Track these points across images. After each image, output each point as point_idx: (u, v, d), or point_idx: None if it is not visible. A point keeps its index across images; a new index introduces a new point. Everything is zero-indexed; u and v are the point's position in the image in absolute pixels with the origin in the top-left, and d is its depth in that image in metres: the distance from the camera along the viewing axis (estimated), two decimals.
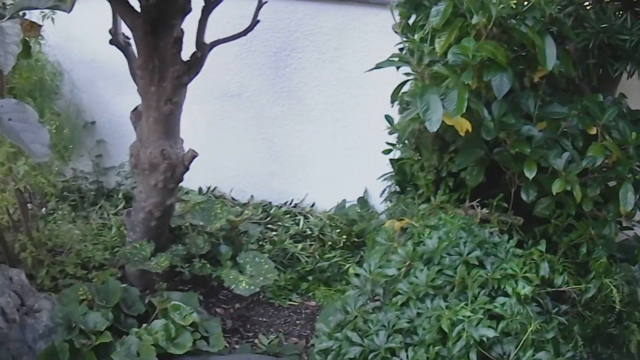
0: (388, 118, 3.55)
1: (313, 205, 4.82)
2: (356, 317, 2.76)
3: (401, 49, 3.65)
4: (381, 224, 3.96)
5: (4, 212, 3.96)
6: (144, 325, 3.60)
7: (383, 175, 4.04)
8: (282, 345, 3.85)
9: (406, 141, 3.56)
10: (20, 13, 2.85)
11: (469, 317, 2.50)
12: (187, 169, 3.86)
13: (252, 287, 3.86)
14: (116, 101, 4.90)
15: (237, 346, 3.84)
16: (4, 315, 3.54)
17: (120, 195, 4.93)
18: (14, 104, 2.35)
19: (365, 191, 4.65)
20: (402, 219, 3.71)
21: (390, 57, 3.16)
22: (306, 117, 4.60)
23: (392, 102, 3.30)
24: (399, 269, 2.82)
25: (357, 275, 2.92)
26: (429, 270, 2.74)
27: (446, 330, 2.51)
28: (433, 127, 2.76)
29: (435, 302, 2.66)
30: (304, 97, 4.57)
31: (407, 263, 2.84)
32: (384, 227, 3.67)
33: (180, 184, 4.10)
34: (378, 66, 3.13)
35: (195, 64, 3.71)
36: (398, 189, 3.87)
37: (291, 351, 3.78)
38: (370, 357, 2.58)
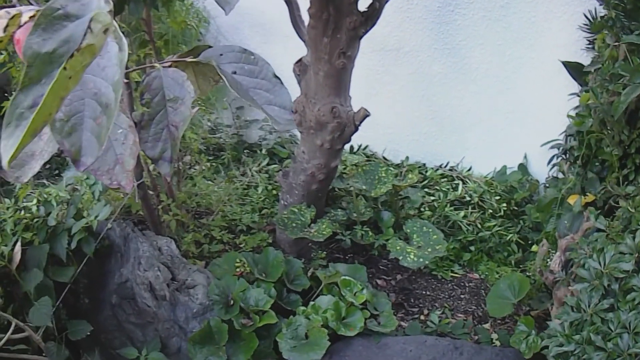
0: (594, 90, 3.28)
1: (470, 169, 4.49)
2: (592, 315, 2.45)
3: (598, 17, 3.45)
4: (557, 197, 3.66)
5: (144, 169, 3.59)
6: (311, 303, 3.28)
7: (548, 142, 3.79)
8: (450, 323, 3.57)
9: (603, 115, 3.34)
10: None
11: None
12: (356, 129, 3.53)
13: (421, 260, 3.51)
14: (261, 50, 4.59)
15: (403, 322, 3.55)
16: (153, 291, 3.23)
17: (263, 151, 4.64)
18: (238, 52, 1.90)
19: (525, 157, 4.31)
20: (587, 195, 3.46)
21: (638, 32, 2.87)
22: (468, 76, 4.25)
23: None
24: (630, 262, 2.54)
25: (585, 267, 2.61)
26: None
27: None
28: None
29: None
30: (466, 56, 4.21)
31: (636, 255, 2.55)
32: (569, 203, 3.43)
33: None
34: (628, 40, 2.91)
35: (373, 15, 3.35)
36: (578, 161, 3.61)
37: (460, 330, 3.48)
38: None
